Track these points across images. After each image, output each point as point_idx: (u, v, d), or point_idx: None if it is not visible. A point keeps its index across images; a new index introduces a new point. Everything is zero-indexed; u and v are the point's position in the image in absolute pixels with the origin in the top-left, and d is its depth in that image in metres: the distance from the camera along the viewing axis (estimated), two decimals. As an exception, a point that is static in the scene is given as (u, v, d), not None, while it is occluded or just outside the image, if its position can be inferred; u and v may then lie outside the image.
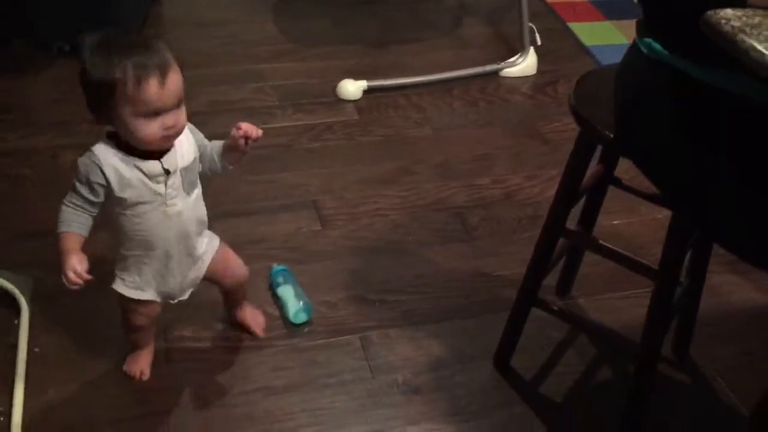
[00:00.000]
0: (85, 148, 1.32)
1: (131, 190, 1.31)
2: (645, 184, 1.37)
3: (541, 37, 2.79)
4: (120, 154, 1.29)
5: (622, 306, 1.83)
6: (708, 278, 1.91)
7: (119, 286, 1.47)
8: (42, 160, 2.17)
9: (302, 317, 1.75)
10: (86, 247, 1.94)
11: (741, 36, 0.86)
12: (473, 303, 1.84)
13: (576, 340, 1.76)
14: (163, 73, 1.22)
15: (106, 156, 1.29)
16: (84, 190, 1.30)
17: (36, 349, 1.64)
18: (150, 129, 1.24)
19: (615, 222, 2.08)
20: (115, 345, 1.63)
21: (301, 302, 1.75)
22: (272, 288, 1.82)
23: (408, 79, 2.59)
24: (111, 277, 1.48)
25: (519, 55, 2.69)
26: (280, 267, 1.84)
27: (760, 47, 0.84)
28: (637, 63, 1.16)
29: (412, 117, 2.47)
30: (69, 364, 1.62)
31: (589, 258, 1.88)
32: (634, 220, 2.08)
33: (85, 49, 1.23)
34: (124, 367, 1.60)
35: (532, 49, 2.69)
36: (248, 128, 1.36)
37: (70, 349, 1.65)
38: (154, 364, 1.61)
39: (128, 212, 1.34)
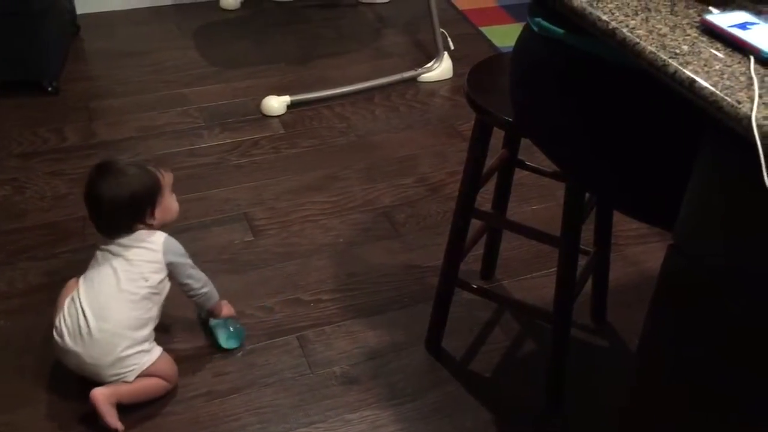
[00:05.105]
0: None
1: None
2: (545, 163, 1.48)
3: (455, 42, 2.91)
4: None
5: (540, 284, 1.93)
6: (621, 250, 2.05)
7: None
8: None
9: (233, 343, 1.76)
10: (18, 282, 1.97)
11: (588, 9, 0.96)
12: (404, 294, 1.92)
13: (501, 318, 1.86)
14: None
15: None
16: None
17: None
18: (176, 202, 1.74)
19: (534, 207, 2.20)
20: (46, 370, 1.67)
21: (231, 328, 1.76)
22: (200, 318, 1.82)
23: (330, 91, 2.67)
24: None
25: (434, 60, 2.80)
26: None
27: (604, 17, 0.94)
28: (529, 41, 1.26)
29: (337, 127, 2.55)
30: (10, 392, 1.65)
31: (509, 243, 1.99)
32: (551, 204, 2.20)
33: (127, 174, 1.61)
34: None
35: (446, 54, 2.81)
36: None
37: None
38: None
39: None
